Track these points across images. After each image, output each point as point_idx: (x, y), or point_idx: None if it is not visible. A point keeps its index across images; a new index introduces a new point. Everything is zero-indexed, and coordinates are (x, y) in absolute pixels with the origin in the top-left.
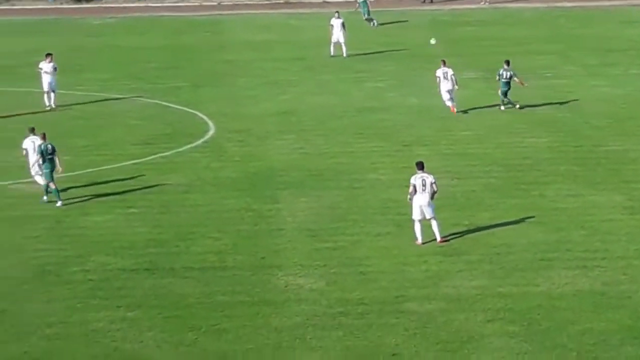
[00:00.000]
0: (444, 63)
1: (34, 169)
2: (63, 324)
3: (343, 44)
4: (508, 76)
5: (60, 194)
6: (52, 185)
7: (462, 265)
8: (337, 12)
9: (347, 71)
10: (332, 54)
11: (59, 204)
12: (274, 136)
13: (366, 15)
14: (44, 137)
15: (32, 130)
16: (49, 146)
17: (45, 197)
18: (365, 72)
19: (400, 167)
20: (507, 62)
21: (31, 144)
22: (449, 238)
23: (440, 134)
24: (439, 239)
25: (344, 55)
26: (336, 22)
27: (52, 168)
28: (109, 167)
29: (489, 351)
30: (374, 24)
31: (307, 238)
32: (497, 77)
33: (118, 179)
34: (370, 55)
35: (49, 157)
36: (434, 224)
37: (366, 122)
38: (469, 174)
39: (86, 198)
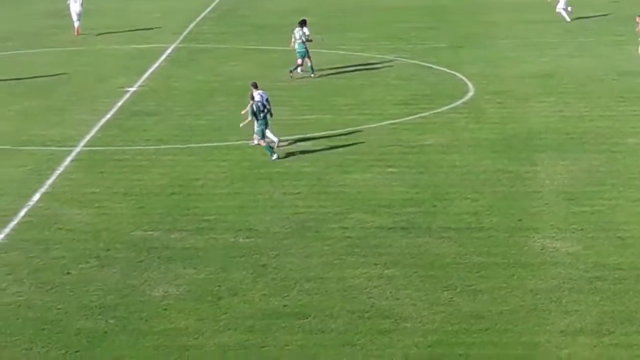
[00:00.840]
0: None
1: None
2: (321, 279)
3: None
4: None
5: (320, 152)
6: (261, 143)
7: None
8: None
9: (607, 34)
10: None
11: (274, 157)
12: (533, 98)
13: None
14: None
15: (256, 86)
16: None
17: (274, 155)
18: (625, 35)
19: None
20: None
21: (259, 98)
22: None
23: None
24: None
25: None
26: None
27: (266, 124)
28: (368, 126)
29: None
30: None
31: (565, 201)
32: None
33: (377, 138)
34: (631, 17)
35: (263, 113)
36: None
37: (627, 86)
38: None
39: (346, 156)
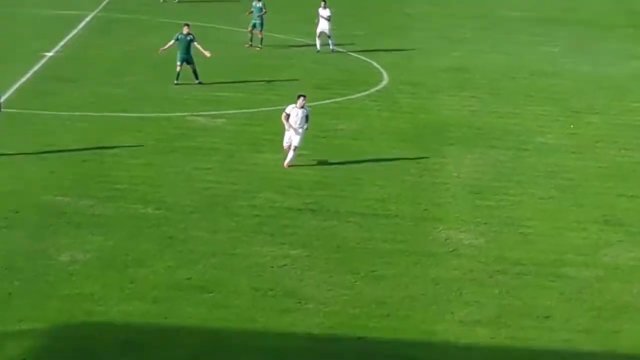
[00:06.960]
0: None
1: None
2: (227, 255)
3: None
4: None
5: (234, 129)
6: None
7: (623, 236)
8: None
9: (523, 33)
10: None
11: None
12: (445, 91)
13: None
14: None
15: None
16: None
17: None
18: (541, 36)
19: (567, 133)
20: None
21: None
22: None
23: (612, 103)
24: None
25: None
26: None
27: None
28: (282, 107)
29: None
30: None
31: (470, 194)
32: None
33: None
34: (547, 19)
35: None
36: None
37: (538, 86)
38: (637, 146)
39: (259, 136)
